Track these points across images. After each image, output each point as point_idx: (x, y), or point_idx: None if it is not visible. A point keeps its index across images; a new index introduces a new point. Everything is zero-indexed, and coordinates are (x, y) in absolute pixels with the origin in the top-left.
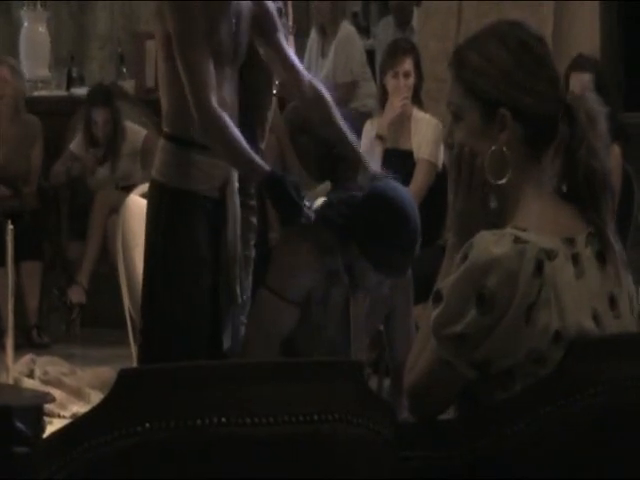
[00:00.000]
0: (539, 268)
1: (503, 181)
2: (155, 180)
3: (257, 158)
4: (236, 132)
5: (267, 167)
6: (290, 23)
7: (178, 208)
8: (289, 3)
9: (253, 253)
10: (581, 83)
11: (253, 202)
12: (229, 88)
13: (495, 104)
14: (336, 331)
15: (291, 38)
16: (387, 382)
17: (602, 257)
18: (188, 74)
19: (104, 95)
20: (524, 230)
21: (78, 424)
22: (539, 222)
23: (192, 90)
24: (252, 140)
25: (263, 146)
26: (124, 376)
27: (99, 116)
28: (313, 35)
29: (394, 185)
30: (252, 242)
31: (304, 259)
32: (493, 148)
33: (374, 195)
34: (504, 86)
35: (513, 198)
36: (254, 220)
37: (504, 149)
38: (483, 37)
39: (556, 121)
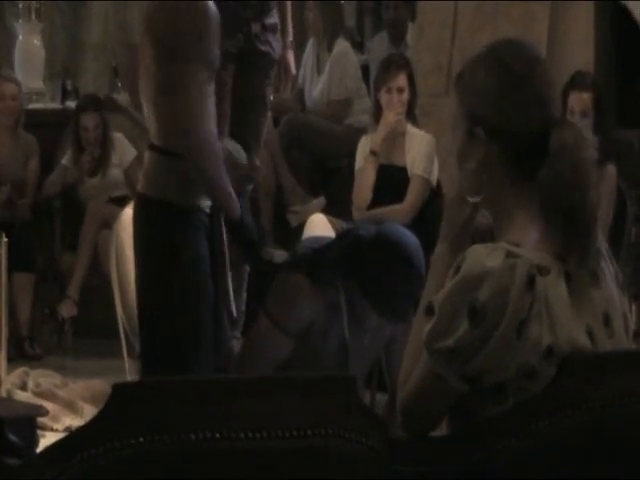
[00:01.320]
0: (531, 283)
1: (477, 199)
2: (149, 196)
3: (234, 195)
4: (221, 162)
5: (239, 209)
6: (289, 39)
7: (181, 223)
8: (288, 18)
9: (247, 268)
10: (581, 103)
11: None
12: (212, 99)
13: (475, 122)
14: (334, 360)
15: (291, 52)
16: (379, 397)
17: (596, 277)
18: (184, 94)
19: (93, 102)
20: (517, 245)
21: (74, 436)
22: (531, 237)
23: (185, 110)
24: (248, 155)
25: (258, 162)
26: (119, 389)
27: (89, 122)
28: (309, 49)
29: (400, 229)
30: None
31: (306, 292)
32: (468, 165)
33: (379, 239)
34: (481, 105)
35: (503, 213)
36: None
37: (478, 167)
38: (476, 55)
39: (540, 141)
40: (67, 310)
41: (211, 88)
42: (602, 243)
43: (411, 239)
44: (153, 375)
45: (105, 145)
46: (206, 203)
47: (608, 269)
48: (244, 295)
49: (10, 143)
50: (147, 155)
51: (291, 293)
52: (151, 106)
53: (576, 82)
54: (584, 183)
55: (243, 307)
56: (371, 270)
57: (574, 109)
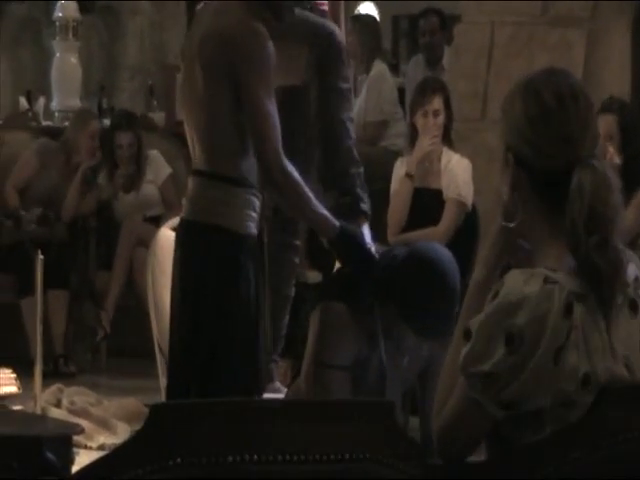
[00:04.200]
0: (568, 310)
1: (512, 224)
2: (201, 222)
3: (328, 214)
4: (306, 188)
5: (336, 222)
6: None
7: (234, 250)
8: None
9: (293, 292)
10: (605, 124)
11: (297, 242)
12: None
13: (507, 147)
14: (372, 384)
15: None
16: (413, 420)
17: (634, 306)
18: (263, 126)
19: (128, 119)
20: (555, 271)
21: (110, 458)
22: (568, 265)
23: (266, 144)
24: (306, 173)
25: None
26: (157, 410)
27: (123, 139)
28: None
29: (433, 246)
30: (293, 281)
31: (348, 322)
32: (503, 189)
33: (413, 257)
34: (510, 131)
35: (539, 240)
36: (297, 260)
37: (511, 192)
38: (519, 80)
39: (564, 178)
40: (105, 320)
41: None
42: None
43: (445, 256)
44: (189, 395)
45: (139, 162)
46: (254, 228)
47: None
48: (286, 318)
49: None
50: (196, 181)
51: (335, 325)
52: (207, 131)
53: (603, 105)
54: (603, 226)
55: (284, 331)
56: (406, 288)
57: (600, 131)
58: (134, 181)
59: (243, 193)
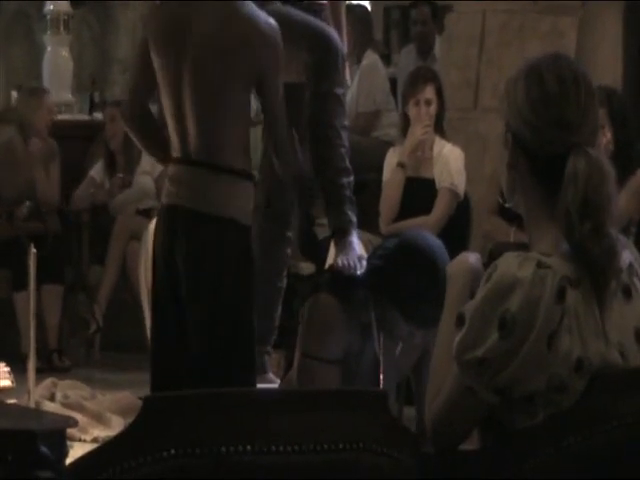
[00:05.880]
0: (561, 295)
1: (511, 204)
2: (213, 215)
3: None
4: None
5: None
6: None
7: (247, 243)
8: (343, 29)
9: (285, 283)
10: None
11: (289, 233)
12: None
13: (507, 128)
14: (367, 373)
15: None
16: (407, 410)
17: (628, 292)
18: (281, 126)
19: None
20: (549, 255)
21: (104, 450)
22: (563, 249)
23: (283, 136)
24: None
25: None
26: (150, 402)
27: (117, 129)
28: None
29: (423, 234)
30: (285, 273)
31: (338, 315)
32: (501, 167)
33: (402, 245)
34: (511, 112)
35: (535, 223)
36: (289, 251)
37: (508, 171)
38: (523, 63)
39: (560, 163)
40: (98, 313)
41: None
42: (636, 258)
43: (434, 242)
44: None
45: (132, 148)
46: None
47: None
48: (279, 310)
49: (40, 154)
50: (198, 172)
51: (324, 319)
52: (219, 128)
53: None
54: (597, 213)
55: (277, 322)
56: (397, 277)
57: None
58: (127, 174)
59: (249, 185)
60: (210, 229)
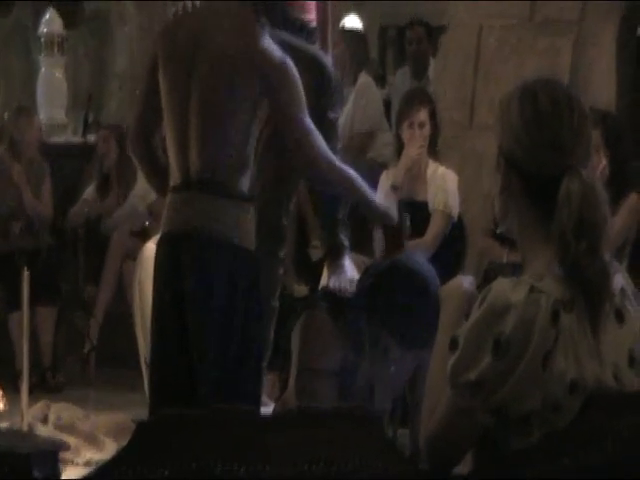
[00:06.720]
0: (555, 318)
1: (504, 228)
2: (224, 242)
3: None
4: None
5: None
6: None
7: (256, 269)
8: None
9: (278, 304)
10: None
11: (282, 253)
12: None
13: (500, 150)
14: (360, 392)
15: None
16: (401, 432)
17: (620, 315)
18: (310, 137)
19: (114, 132)
20: (541, 279)
21: (97, 475)
22: (555, 271)
23: (318, 151)
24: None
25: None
26: (142, 427)
27: (110, 151)
28: None
29: (414, 258)
30: (278, 293)
31: (330, 331)
32: (494, 190)
33: (394, 268)
34: (503, 134)
35: (528, 245)
36: (282, 272)
37: (502, 194)
38: (516, 85)
39: (554, 184)
40: (93, 332)
41: None
42: (627, 283)
43: (425, 266)
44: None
45: (125, 171)
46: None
47: (632, 307)
48: (272, 330)
49: (29, 173)
50: (201, 196)
51: (319, 333)
52: (218, 146)
53: None
54: (591, 233)
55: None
56: (388, 299)
57: None
58: (125, 196)
59: (252, 209)
60: (219, 255)
